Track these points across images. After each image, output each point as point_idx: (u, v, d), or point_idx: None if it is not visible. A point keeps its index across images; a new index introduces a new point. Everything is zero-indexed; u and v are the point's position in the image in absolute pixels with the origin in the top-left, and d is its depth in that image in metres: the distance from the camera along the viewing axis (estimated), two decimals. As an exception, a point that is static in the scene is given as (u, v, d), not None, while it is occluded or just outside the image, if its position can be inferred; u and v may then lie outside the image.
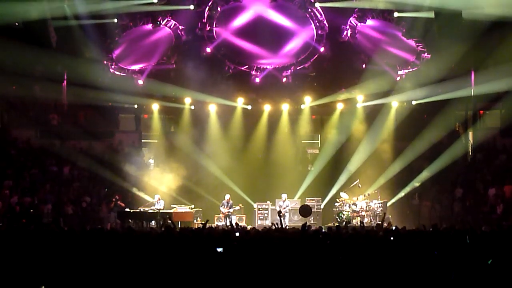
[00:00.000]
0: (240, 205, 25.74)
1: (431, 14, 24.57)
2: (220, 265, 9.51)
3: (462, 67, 25.01)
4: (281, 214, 19.25)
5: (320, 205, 26.24)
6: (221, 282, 9.15)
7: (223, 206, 24.93)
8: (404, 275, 9.31)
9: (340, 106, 28.24)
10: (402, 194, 26.51)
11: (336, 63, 26.96)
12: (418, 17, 25.05)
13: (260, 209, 26.15)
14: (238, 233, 13.01)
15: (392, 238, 12.70)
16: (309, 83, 27.59)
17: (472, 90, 24.37)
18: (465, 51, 24.17)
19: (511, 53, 23.59)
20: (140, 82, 26.63)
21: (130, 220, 23.70)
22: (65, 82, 23.69)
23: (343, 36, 26.30)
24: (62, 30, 24.62)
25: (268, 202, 26.18)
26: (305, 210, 24.37)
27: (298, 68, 26.98)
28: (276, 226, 14.51)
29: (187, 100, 27.89)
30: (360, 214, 24.43)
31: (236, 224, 19.96)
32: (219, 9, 26.08)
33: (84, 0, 24.33)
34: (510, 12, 22.27)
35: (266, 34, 26.30)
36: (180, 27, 26.32)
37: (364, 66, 26.89)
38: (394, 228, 15.36)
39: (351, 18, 26.20)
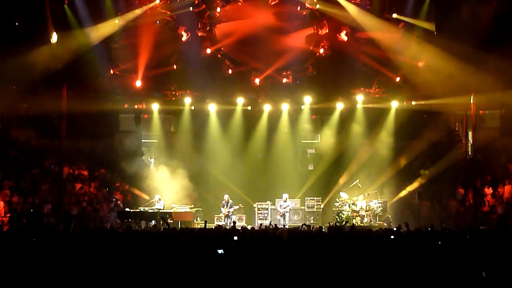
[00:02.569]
0: (240, 204, 25.78)
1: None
2: (221, 266, 9.52)
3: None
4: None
5: (320, 205, 26.25)
6: (221, 282, 9.16)
7: (223, 206, 25.00)
8: (404, 275, 9.33)
9: (340, 106, 28.23)
10: (402, 194, 26.55)
11: (336, 63, 26.94)
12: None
13: (260, 209, 26.16)
14: (237, 236, 12.98)
15: (391, 237, 12.75)
16: (309, 83, 27.56)
17: (472, 97, 24.41)
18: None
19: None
20: (139, 82, 26.60)
21: (130, 220, 23.72)
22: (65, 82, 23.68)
23: (343, 36, 26.27)
24: (62, 28, 24.70)
25: (268, 202, 26.20)
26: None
27: (298, 68, 26.95)
28: (274, 226, 14.54)
29: (187, 100, 27.88)
30: (360, 214, 24.45)
31: (234, 223, 20.02)
32: (219, 9, 26.10)
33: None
34: None
35: (266, 34, 26.28)
36: (180, 27, 26.32)
37: (364, 67, 26.87)
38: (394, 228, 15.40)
39: (351, 19, 26.26)
